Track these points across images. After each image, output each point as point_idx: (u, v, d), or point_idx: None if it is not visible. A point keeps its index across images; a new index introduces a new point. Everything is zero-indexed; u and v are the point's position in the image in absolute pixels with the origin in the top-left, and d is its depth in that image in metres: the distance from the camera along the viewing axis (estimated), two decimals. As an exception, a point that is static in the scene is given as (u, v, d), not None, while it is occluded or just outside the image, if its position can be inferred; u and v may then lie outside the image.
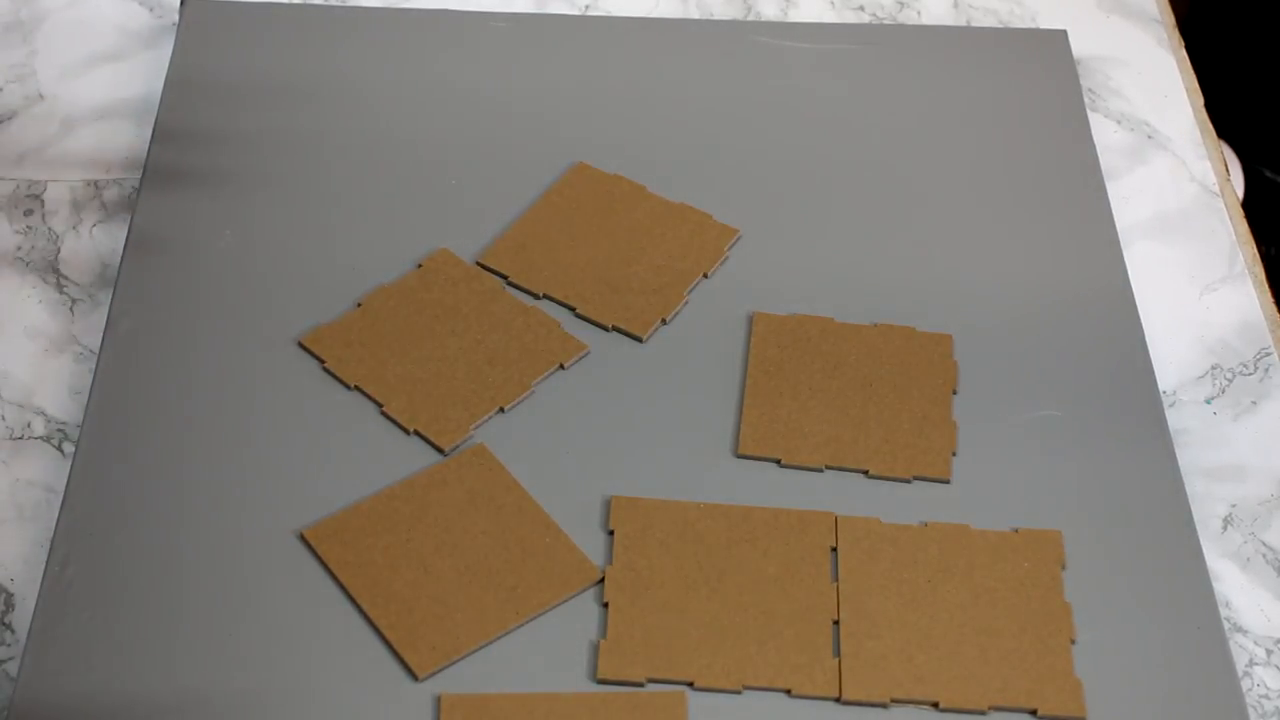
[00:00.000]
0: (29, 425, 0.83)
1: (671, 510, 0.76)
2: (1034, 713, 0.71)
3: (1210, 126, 1.00)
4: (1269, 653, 0.77)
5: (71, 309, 0.88)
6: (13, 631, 0.75)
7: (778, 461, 0.79)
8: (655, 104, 0.95)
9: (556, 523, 0.76)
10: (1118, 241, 0.89)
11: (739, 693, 0.71)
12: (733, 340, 0.84)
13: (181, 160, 0.91)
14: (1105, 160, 0.95)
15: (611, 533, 0.76)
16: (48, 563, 0.74)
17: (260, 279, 0.86)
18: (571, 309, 0.85)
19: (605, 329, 0.84)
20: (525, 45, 0.98)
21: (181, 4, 0.99)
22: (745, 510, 0.76)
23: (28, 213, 0.92)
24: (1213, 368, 0.87)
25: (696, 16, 1.05)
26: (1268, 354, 0.88)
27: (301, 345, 0.83)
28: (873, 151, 0.93)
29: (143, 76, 1.00)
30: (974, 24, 1.05)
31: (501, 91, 0.96)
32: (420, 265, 0.86)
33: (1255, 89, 1.47)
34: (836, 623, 0.73)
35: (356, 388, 0.81)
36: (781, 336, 0.84)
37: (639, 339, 0.84)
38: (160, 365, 0.82)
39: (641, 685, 0.71)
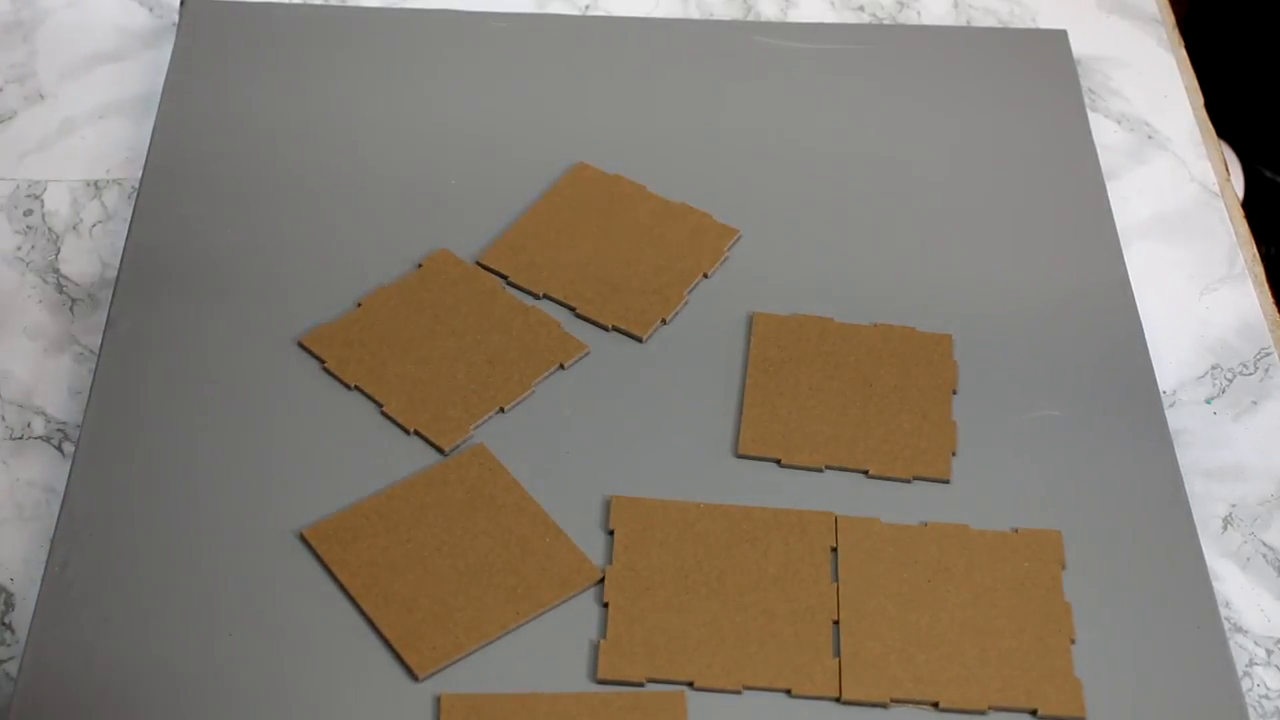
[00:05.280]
0: (29, 425, 0.83)
1: (671, 510, 0.76)
2: (1034, 713, 0.71)
3: (1210, 126, 1.00)
4: (1269, 653, 0.77)
5: (71, 309, 0.88)
6: (13, 631, 0.75)
7: (778, 461, 0.79)
8: (655, 104, 0.95)
9: (556, 523, 0.76)
10: (1118, 241, 0.89)
11: (739, 693, 0.71)
12: (733, 340, 0.84)
13: (181, 160, 0.91)
14: (1105, 160, 0.95)
15: (611, 533, 0.76)
16: (48, 563, 0.74)
17: (260, 279, 0.86)
18: (571, 309, 0.85)
19: (605, 329, 0.84)
20: (525, 45, 0.98)
21: (181, 4, 0.99)
22: (745, 510, 0.76)
23: (28, 213, 0.92)
24: (1213, 368, 0.88)
25: (696, 16, 1.05)
26: (1268, 354, 0.88)
27: (301, 345, 0.83)
28: (873, 151, 0.93)
29: (143, 76, 1.00)
30: (974, 24, 1.05)
31: (501, 91, 0.96)
32: (420, 265, 0.86)
33: (1255, 89, 1.47)
34: (836, 623, 0.73)
35: (356, 388, 0.81)
36: (781, 336, 0.84)
37: (639, 339, 0.84)
38: (160, 365, 0.82)
39: (641, 685, 0.71)
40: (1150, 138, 0.99)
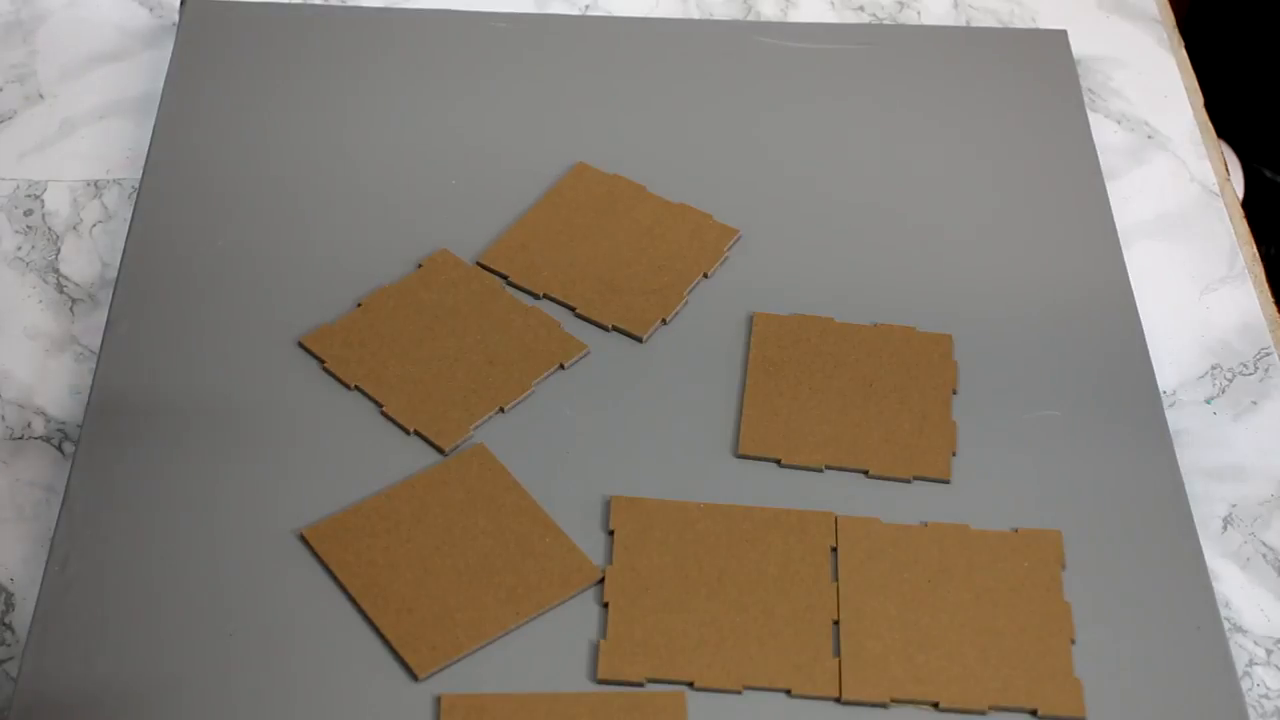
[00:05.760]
0: (29, 425, 0.83)
1: (671, 510, 0.76)
2: (1034, 713, 0.71)
3: (1210, 126, 1.00)
4: (1269, 653, 0.77)
5: (71, 309, 0.88)
6: (13, 631, 0.75)
7: (778, 461, 0.79)
8: (655, 104, 0.95)
9: (556, 523, 0.76)
10: (1118, 241, 0.89)
11: (739, 693, 0.71)
12: (733, 340, 0.84)
13: (181, 160, 0.91)
14: (1105, 160, 0.95)
15: (611, 533, 0.76)
16: (48, 563, 0.74)
17: (260, 279, 0.86)
18: (571, 309, 0.85)
19: (605, 329, 0.84)
20: (525, 45, 0.98)
21: (181, 4, 0.99)
22: (745, 510, 0.76)
23: (28, 213, 0.92)
24: (1213, 368, 0.87)
25: (696, 16, 1.05)
26: (1268, 354, 0.88)
27: (301, 345, 0.83)
28: (873, 151, 0.93)
29: (143, 76, 1.00)
30: (974, 24, 1.05)
31: (501, 91, 0.96)
32: (420, 265, 0.86)
33: (1255, 89, 1.47)
34: (836, 623, 0.73)
35: (356, 388, 0.81)
36: (781, 336, 0.84)
37: (639, 339, 0.84)
38: (160, 365, 0.82)
39: (641, 685, 0.71)
40: (1150, 138, 0.99)
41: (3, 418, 0.83)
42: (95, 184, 0.94)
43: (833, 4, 1.06)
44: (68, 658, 0.71)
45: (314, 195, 0.90)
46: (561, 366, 0.82)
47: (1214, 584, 0.76)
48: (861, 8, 1.06)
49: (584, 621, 0.73)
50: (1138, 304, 0.86)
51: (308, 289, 0.85)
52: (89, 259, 0.90)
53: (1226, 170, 0.98)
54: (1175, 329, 0.89)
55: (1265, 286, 0.92)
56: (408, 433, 0.79)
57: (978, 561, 0.75)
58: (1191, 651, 0.73)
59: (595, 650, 0.72)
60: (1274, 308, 0.91)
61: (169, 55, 0.97)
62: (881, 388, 0.82)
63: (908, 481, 0.78)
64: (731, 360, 0.83)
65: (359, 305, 0.84)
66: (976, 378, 0.83)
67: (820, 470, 0.79)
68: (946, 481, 0.78)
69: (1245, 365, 0.88)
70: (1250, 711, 0.72)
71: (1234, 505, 0.82)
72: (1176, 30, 1.06)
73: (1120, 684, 0.72)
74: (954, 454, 0.79)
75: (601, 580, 0.74)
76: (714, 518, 0.76)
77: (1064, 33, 1.01)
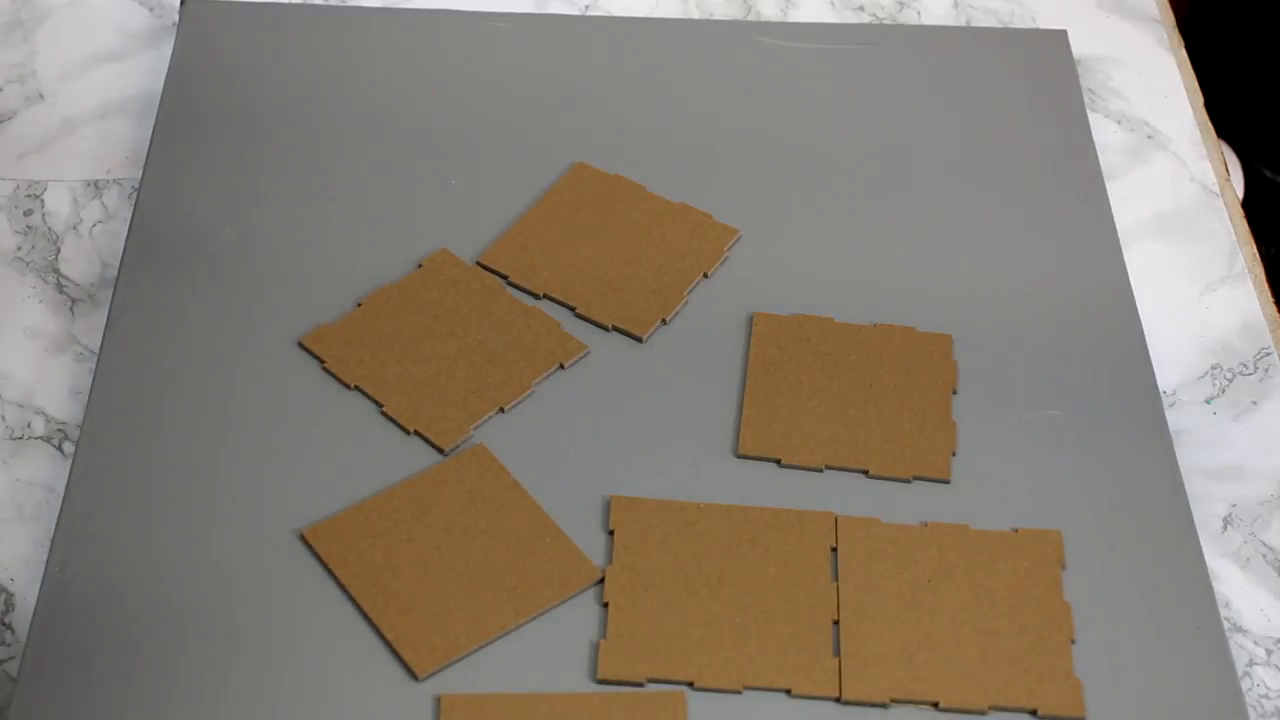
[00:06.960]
0: (29, 425, 0.83)
1: (671, 510, 0.76)
2: (1034, 713, 0.71)
3: (1210, 126, 1.00)
4: (1269, 653, 0.77)
5: (71, 309, 0.88)
6: (13, 631, 0.75)
7: (778, 461, 0.79)
8: (655, 104, 0.95)
9: (556, 523, 0.76)
10: (1118, 241, 0.89)
11: (739, 693, 0.71)
12: (733, 340, 0.84)
13: (181, 160, 0.91)
14: (1105, 160, 0.95)
15: (611, 533, 0.76)
16: (48, 563, 0.74)
17: (260, 279, 0.86)
18: (571, 309, 0.85)
19: (605, 329, 0.84)
20: (525, 45, 0.98)
21: (181, 4, 0.99)
22: (745, 510, 0.76)
23: (28, 213, 0.92)
24: (1213, 368, 0.88)
25: (696, 16, 1.05)
26: (1268, 354, 0.88)
27: (301, 345, 0.83)
28: (873, 152, 0.93)
29: (143, 76, 1.00)
30: (974, 24, 1.05)
31: (501, 91, 0.96)
32: (420, 265, 0.86)
33: (1255, 89, 1.47)
34: (836, 623, 0.73)
35: (356, 388, 0.81)
36: (781, 336, 0.84)
37: (639, 339, 0.84)
38: (160, 365, 0.82)
39: (641, 685, 0.71)
40: (1150, 138, 0.99)
41: (3, 418, 0.83)
42: (95, 184, 0.94)
43: (833, 4, 1.06)
44: (68, 658, 0.71)
45: (313, 195, 0.90)
46: (561, 366, 0.82)
47: (1214, 584, 0.76)
48: (861, 8, 1.06)
49: (584, 621, 0.73)
50: (1138, 304, 0.86)
51: (308, 289, 0.85)
52: (89, 259, 0.90)
53: (1226, 170, 0.98)
54: (1175, 329, 0.89)
55: (1265, 286, 0.92)
56: (408, 433, 0.79)
57: (978, 561, 0.75)
58: (1191, 651, 0.73)
59: (595, 650, 0.72)
60: (1274, 308, 0.91)
61: (169, 55, 0.97)
62: (881, 388, 0.82)
63: (908, 481, 0.78)
64: (731, 360, 0.83)
65: (359, 305, 0.84)
66: (976, 378, 0.83)
67: (820, 470, 0.79)
68: (946, 481, 0.78)
69: (1245, 365, 0.88)
70: (1250, 711, 0.72)
71: (1234, 505, 0.82)
72: (1176, 30, 1.06)
73: (1120, 684, 0.72)
74: (954, 454, 0.79)
75: (601, 580, 0.74)
76: (714, 518, 0.76)
77: (1064, 33, 1.01)
